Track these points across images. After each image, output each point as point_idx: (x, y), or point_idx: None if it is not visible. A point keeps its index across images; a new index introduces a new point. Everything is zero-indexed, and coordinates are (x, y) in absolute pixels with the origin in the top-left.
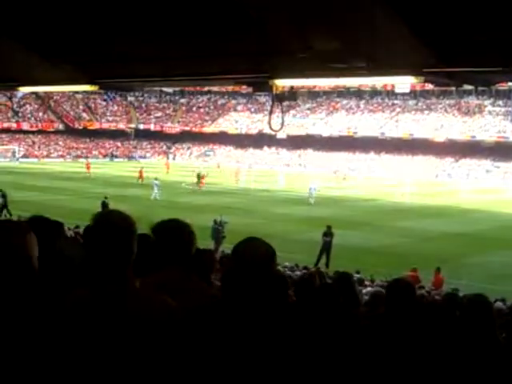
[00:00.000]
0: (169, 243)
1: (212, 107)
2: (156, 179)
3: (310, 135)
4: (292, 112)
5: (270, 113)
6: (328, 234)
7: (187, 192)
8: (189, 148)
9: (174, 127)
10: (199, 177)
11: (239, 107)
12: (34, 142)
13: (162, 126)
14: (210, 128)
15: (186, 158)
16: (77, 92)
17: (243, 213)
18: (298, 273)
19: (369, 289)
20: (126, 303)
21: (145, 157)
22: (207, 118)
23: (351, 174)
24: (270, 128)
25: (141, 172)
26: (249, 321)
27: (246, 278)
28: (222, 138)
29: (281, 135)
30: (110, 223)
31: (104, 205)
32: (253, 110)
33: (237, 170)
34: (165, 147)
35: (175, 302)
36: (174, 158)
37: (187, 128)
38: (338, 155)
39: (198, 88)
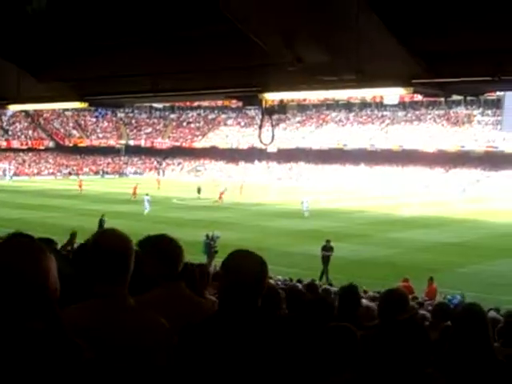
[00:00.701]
0: (156, 259)
1: (202, 122)
2: (147, 195)
3: (300, 148)
4: (282, 125)
5: (260, 127)
6: (328, 247)
7: (179, 207)
8: (179, 163)
9: (164, 143)
10: (199, 191)
11: (229, 121)
12: (24, 160)
13: (152, 142)
14: (200, 143)
15: (177, 173)
16: (67, 109)
17: (237, 228)
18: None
19: (363, 300)
20: (123, 323)
21: (138, 173)
22: (197, 133)
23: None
24: (261, 142)
25: (135, 189)
26: (243, 336)
27: (237, 291)
28: (213, 153)
29: (271, 149)
30: (108, 242)
31: (101, 223)
32: (243, 124)
33: (241, 185)
34: (155, 163)
35: (169, 322)
36: (163, 174)
37: (178, 143)
38: (328, 168)
39: (187, 103)
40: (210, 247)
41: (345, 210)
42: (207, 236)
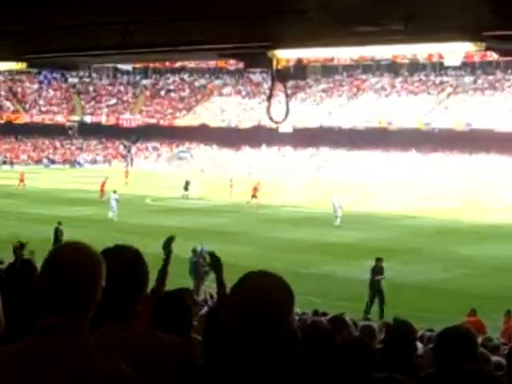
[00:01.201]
0: (112, 280)
1: (188, 91)
2: (114, 192)
3: (325, 128)
4: (300, 96)
5: (270, 97)
6: (379, 269)
7: (155, 210)
8: (155, 148)
9: (134, 119)
10: (187, 186)
11: (226, 90)
12: None
13: (117, 119)
14: (184, 120)
15: (152, 162)
16: None
17: (237, 238)
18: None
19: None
20: (75, 370)
21: (97, 161)
22: (181, 105)
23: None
24: (270, 119)
25: (103, 185)
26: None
27: (254, 322)
28: (202, 134)
29: (285, 128)
30: (68, 262)
31: (57, 233)
32: (245, 93)
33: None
34: (122, 148)
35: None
36: (131, 164)
37: (153, 120)
38: (365, 155)
39: (167, 64)
40: (198, 266)
41: (389, 215)
42: (194, 251)
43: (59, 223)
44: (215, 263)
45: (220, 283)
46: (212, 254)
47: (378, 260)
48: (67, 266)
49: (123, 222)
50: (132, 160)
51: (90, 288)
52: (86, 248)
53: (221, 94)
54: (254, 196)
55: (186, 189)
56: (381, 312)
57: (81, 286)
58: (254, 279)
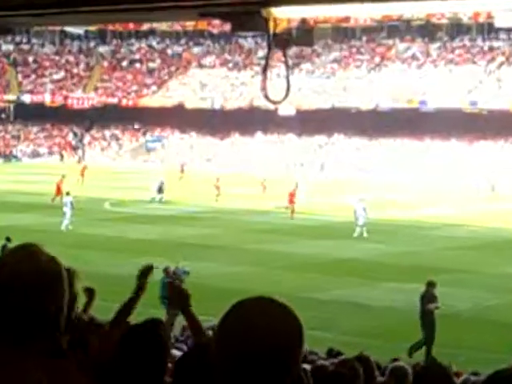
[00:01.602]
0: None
1: (158, 61)
2: (68, 194)
3: (338, 109)
4: (306, 67)
5: (265, 70)
6: (430, 296)
7: (115, 217)
8: (115, 137)
9: (87, 99)
10: (161, 189)
11: (207, 60)
12: None
13: (65, 98)
14: (153, 99)
15: (112, 154)
16: None
17: (224, 254)
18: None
19: None
20: None
21: (40, 154)
22: (149, 81)
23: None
24: (266, 98)
25: (59, 185)
26: None
27: (249, 372)
28: (178, 118)
29: (286, 110)
30: (21, 268)
31: (4, 249)
32: (232, 64)
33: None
34: (71, 136)
35: None
36: (82, 157)
37: (112, 100)
38: (391, 144)
39: (131, 26)
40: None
41: (423, 223)
42: (166, 272)
43: (8, 239)
44: (175, 291)
45: (189, 318)
46: (170, 283)
47: (430, 285)
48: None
49: (74, 233)
50: (84, 153)
51: (56, 305)
52: (44, 254)
53: (201, 66)
54: (291, 202)
55: (160, 191)
56: (427, 351)
57: (45, 304)
58: (247, 310)
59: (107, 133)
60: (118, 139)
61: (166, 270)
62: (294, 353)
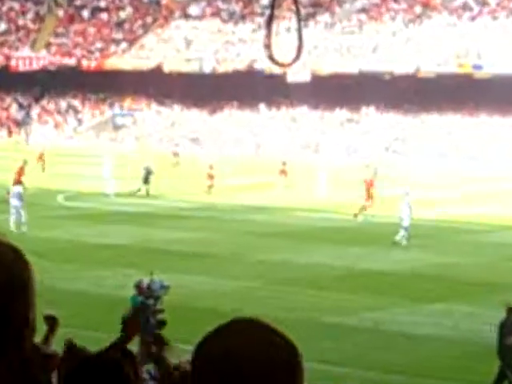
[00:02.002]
0: None
1: (129, 10)
2: (20, 184)
3: (366, 75)
4: (323, 20)
5: (270, 21)
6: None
7: (72, 215)
8: (73, 110)
9: (36, 59)
10: (147, 178)
11: (195, 9)
12: None
13: (6, 58)
14: (123, 60)
15: (69, 132)
16: None
17: (215, 264)
18: None
19: None
20: None
21: None
22: (117, 35)
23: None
24: (271, 59)
25: (20, 171)
26: None
27: None
28: (155, 84)
29: (298, 76)
30: None
31: None
32: (227, 14)
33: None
34: (15, 108)
35: None
36: (26, 136)
37: (69, 61)
38: (435, 120)
39: None
40: (144, 311)
41: (476, 225)
42: (138, 287)
43: None
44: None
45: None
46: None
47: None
48: None
49: (25, 236)
50: (28, 133)
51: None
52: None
53: (186, 16)
54: (369, 197)
55: (146, 181)
56: None
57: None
58: (228, 334)
59: (63, 104)
60: (76, 112)
61: (138, 286)
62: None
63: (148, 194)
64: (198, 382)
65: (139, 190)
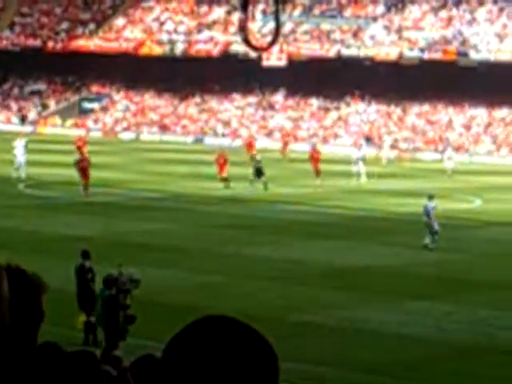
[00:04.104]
0: None
1: None
2: None
3: (346, 59)
4: (301, 2)
5: (246, 3)
6: None
7: (35, 205)
8: (37, 94)
9: None
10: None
11: None
12: None
13: None
14: (91, 42)
15: (33, 117)
16: None
17: (186, 258)
18: None
19: None
20: None
21: None
22: (85, 16)
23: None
24: (247, 42)
25: None
26: None
27: None
28: (124, 68)
29: (274, 60)
30: None
31: None
32: None
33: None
34: None
35: None
36: None
37: (33, 42)
38: (418, 109)
39: None
40: (114, 307)
41: (466, 221)
42: (107, 282)
43: None
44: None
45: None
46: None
47: None
48: None
49: None
50: None
51: None
52: None
53: None
54: (316, 171)
55: (259, 175)
56: None
57: None
58: (199, 332)
59: (27, 88)
60: (40, 96)
61: (106, 280)
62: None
63: (266, 188)
64: (170, 379)
65: (252, 182)
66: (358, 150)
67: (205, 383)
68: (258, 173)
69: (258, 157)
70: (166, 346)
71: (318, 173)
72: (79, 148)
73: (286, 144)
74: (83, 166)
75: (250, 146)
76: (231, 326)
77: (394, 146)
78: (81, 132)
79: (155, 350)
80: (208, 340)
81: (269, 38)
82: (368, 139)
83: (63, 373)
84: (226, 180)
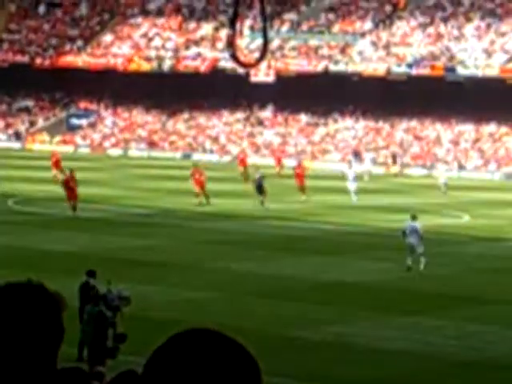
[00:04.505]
0: None
1: (86, 6)
2: None
3: (334, 75)
4: (289, 18)
5: (234, 19)
6: None
7: (23, 221)
8: (25, 111)
9: None
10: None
11: (155, 4)
12: None
13: None
14: (79, 58)
15: (21, 132)
16: None
17: (173, 274)
18: None
19: None
20: None
21: None
22: (73, 32)
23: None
24: (234, 58)
25: None
26: None
27: None
28: (112, 84)
29: (262, 76)
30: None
31: None
32: (188, 11)
33: None
34: None
35: None
36: None
37: (22, 59)
38: (406, 125)
39: None
40: (103, 323)
41: (455, 236)
42: (94, 296)
43: None
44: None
45: None
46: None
47: None
48: None
49: None
50: None
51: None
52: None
53: (146, 12)
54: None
55: (261, 191)
56: None
57: None
58: (181, 345)
59: (15, 105)
60: (29, 113)
61: (93, 296)
62: None
63: (263, 204)
64: None
65: (262, 201)
66: (349, 167)
67: None
68: (260, 189)
69: (260, 173)
70: (148, 360)
71: (302, 189)
72: (55, 164)
73: (279, 160)
74: (70, 186)
75: (242, 161)
76: (214, 339)
77: (383, 163)
78: (55, 149)
79: (139, 366)
80: (190, 353)
81: (257, 54)
82: (356, 155)
83: None
84: (199, 195)
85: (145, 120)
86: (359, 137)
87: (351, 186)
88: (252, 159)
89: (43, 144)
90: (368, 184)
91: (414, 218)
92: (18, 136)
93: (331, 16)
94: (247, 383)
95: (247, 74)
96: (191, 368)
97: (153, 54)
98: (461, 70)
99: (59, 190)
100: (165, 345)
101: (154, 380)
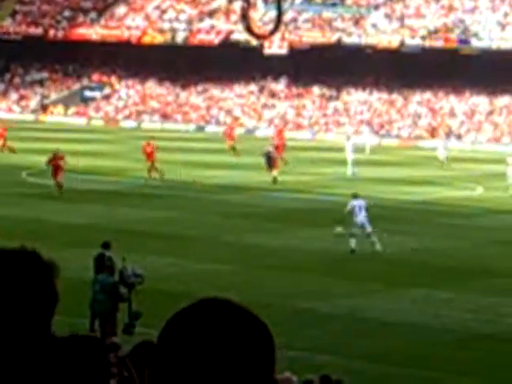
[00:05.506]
0: None
1: None
2: None
3: (347, 47)
4: None
5: None
6: None
7: (34, 193)
8: (38, 83)
9: None
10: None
11: None
12: None
13: None
14: (92, 30)
15: (34, 105)
16: None
17: (188, 246)
18: None
19: None
20: None
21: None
22: (86, 4)
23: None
24: (248, 30)
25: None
26: None
27: None
28: (125, 57)
29: (276, 48)
30: None
31: None
32: None
33: None
34: None
35: None
36: None
37: (35, 31)
38: (418, 97)
39: None
40: (116, 296)
41: (466, 209)
42: (109, 267)
43: None
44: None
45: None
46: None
47: None
48: None
49: None
50: None
51: None
52: None
53: None
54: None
55: (271, 165)
56: None
57: None
58: (194, 315)
59: (27, 77)
60: (42, 85)
61: (109, 268)
62: (253, 369)
63: (275, 181)
64: (165, 363)
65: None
66: (347, 140)
67: (200, 366)
68: (269, 162)
69: (271, 145)
70: (161, 331)
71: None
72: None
73: (280, 133)
74: (57, 164)
75: (230, 136)
76: (225, 308)
77: (398, 136)
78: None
79: (149, 337)
80: (202, 323)
81: (270, 26)
82: (369, 127)
83: (71, 359)
84: (151, 170)
85: (158, 92)
86: (372, 109)
87: (349, 157)
88: (265, 131)
89: (57, 116)
90: (381, 156)
91: (355, 196)
92: (31, 108)
93: None
94: (260, 350)
95: (261, 46)
96: (203, 338)
97: (166, 26)
98: (475, 42)
99: (72, 162)
100: (176, 316)
101: (167, 350)
